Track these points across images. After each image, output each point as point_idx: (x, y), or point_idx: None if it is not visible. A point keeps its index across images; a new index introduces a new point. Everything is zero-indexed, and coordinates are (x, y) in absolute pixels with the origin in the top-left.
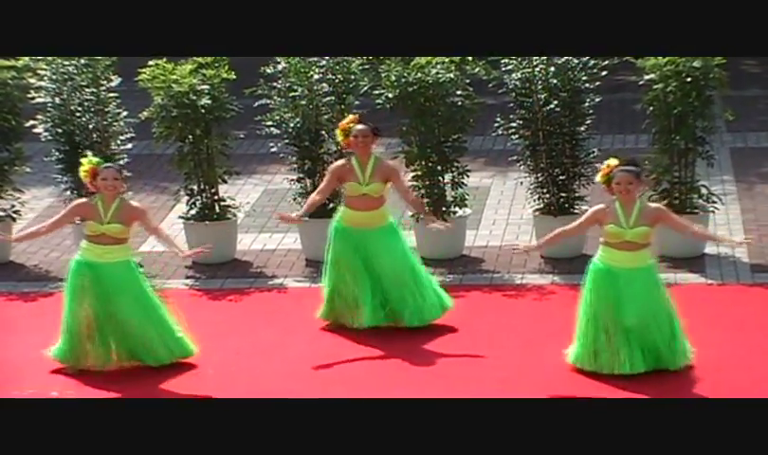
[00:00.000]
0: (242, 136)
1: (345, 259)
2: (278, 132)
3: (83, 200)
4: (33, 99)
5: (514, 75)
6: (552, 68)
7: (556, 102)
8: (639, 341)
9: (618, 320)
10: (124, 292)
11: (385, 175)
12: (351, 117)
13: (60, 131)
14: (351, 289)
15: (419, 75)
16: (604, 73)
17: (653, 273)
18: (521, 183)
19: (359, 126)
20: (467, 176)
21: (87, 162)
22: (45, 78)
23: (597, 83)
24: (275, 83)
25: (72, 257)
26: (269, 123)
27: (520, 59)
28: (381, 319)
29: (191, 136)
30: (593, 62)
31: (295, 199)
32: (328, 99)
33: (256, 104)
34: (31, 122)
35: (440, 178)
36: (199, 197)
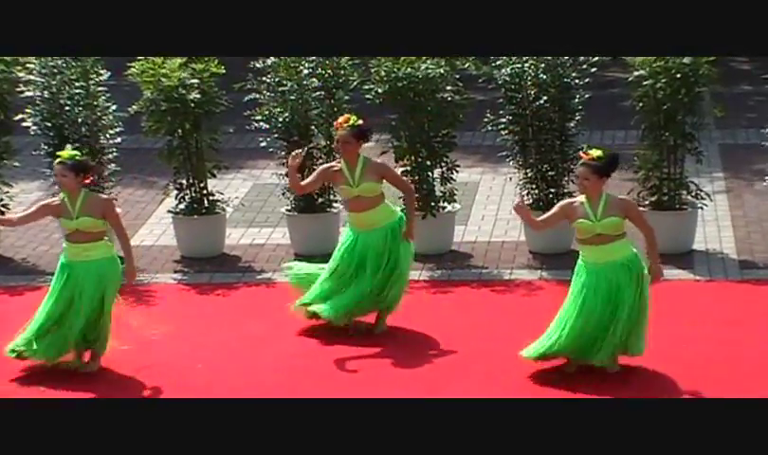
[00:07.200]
0: (231, 130)
1: (341, 263)
2: (267, 126)
3: (51, 199)
4: (22, 92)
5: (504, 70)
6: (542, 64)
7: (545, 98)
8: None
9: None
10: (85, 295)
11: (377, 173)
12: (344, 116)
13: (49, 125)
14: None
15: (409, 70)
16: (593, 69)
17: (631, 267)
18: (511, 179)
19: (341, 132)
20: (457, 172)
21: (64, 154)
22: (35, 71)
23: (587, 80)
24: (264, 78)
25: (60, 251)
26: (259, 118)
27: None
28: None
29: (180, 131)
30: (582, 58)
31: (284, 194)
32: (317, 93)
33: (245, 99)
34: (20, 116)
35: (429, 173)
36: (188, 192)
